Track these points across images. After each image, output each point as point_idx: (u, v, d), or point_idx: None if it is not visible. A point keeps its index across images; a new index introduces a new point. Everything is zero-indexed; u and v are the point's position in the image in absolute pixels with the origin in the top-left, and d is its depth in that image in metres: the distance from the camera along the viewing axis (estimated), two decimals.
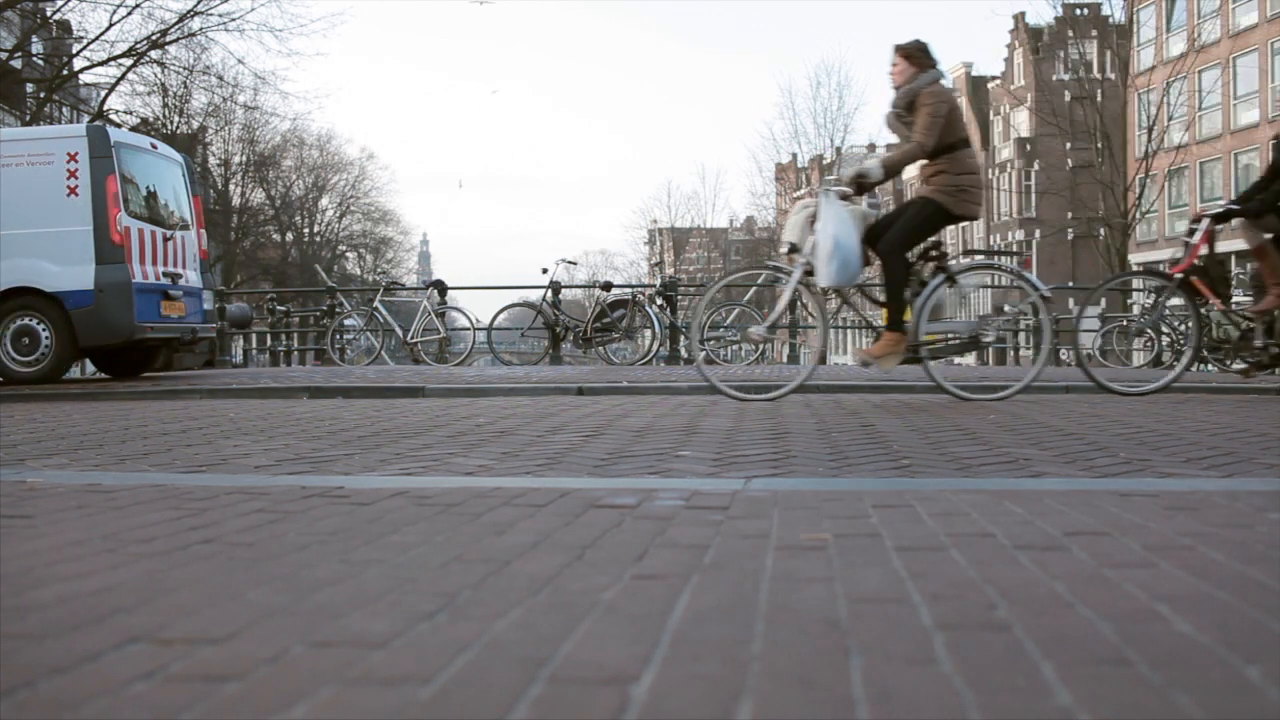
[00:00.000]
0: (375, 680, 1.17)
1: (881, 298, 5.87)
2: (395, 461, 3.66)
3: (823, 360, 6.42)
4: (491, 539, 2.02)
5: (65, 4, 23.28)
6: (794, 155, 51.35)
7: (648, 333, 12.85)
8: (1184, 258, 6.60)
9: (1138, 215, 31.18)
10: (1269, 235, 6.45)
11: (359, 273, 51.10)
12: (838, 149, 46.21)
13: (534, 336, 13.52)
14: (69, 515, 2.37)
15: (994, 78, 51.90)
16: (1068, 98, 40.21)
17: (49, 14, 23.89)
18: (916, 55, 5.79)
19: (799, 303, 12.59)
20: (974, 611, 1.45)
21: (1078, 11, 37.63)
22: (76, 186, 8.55)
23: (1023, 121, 48.71)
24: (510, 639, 1.33)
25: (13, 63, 23.47)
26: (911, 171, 6.58)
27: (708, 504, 2.40)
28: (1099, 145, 32.01)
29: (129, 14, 21.74)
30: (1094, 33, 38.02)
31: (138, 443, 4.38)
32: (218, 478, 3.23)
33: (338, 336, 13.45)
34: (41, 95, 24.20)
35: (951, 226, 6.44)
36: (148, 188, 9.31)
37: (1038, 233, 48.76)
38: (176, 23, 21.99)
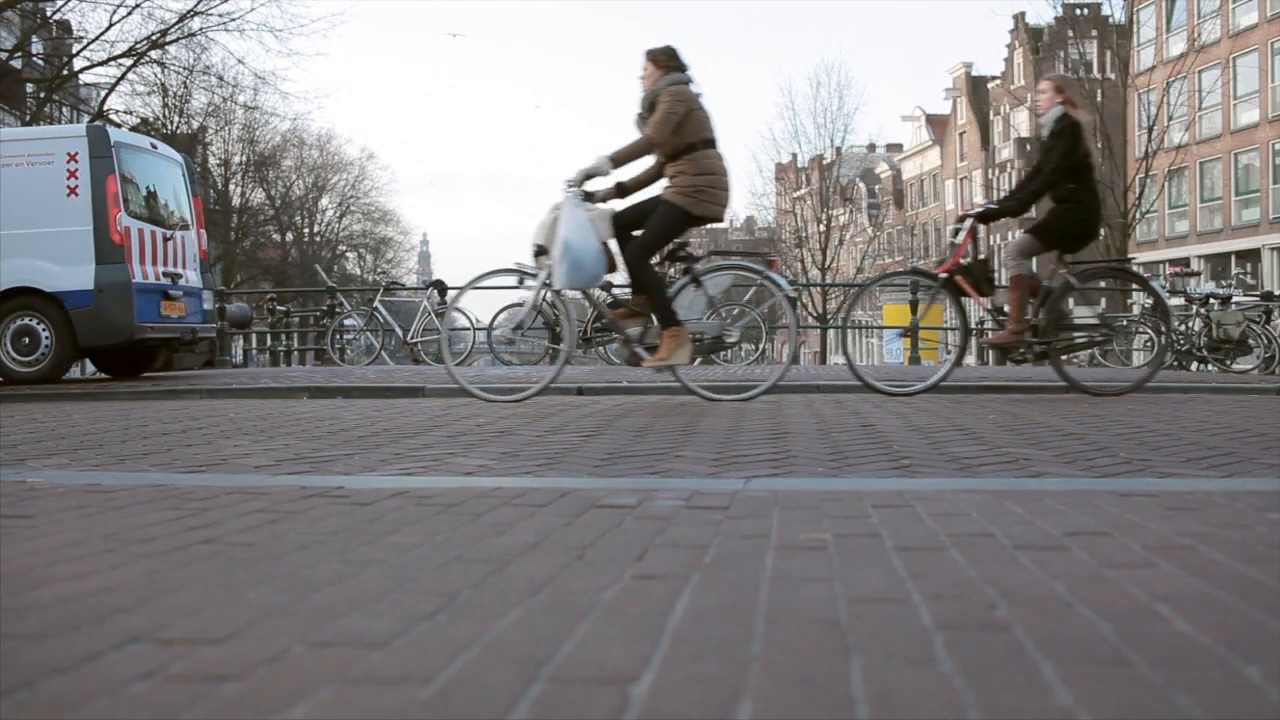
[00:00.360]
0: (375, 680, 1.17)
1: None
2: (395, 461, 3.66)
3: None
4: (491, 539, 2.02)
5: (65, 4, 23.28)
6: (794, 155, 51.28)
7: None
8: (949, 257, 6.63)
9: (1138, 215, 31.16)
10: (1028, 261, 6.38)
11: (359, 273, 51.09)
12: (838, 149, 46.17)
13: (534, 336, 13.51)
14: (69, 515, 2.37)
15: (994, 78, 51.88)
16: None
17: (49, 14, 23.88)
18: (663, 59, 5.94)
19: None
20: (974, 611, 1.45)
21: (1078, 11, 37.59)
22: (76, 186, 8.55)
23: (1023, 121, 48.64)
24: (510, 639, 1.33)
25: (13, 63, 23.47)
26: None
27: (708, 504, 2.40)
28: (1099, 145, 31.98)
29: (129, 14, 21.74)
30: (1094, 33, 37.99)
31: (138, 443, 4.38)
32: (218, 478, 3.23)
33: (338, 336, 13.45)
34: (41, 95, 24.20)
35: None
36: (148, 188, 9.31)
37: None
38: (176, 23, 21.99)
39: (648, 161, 5.97)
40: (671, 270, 5.94)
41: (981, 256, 6.48)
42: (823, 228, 43.62)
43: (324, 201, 51.86)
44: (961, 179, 55.42)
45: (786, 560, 1.79)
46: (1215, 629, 1.35)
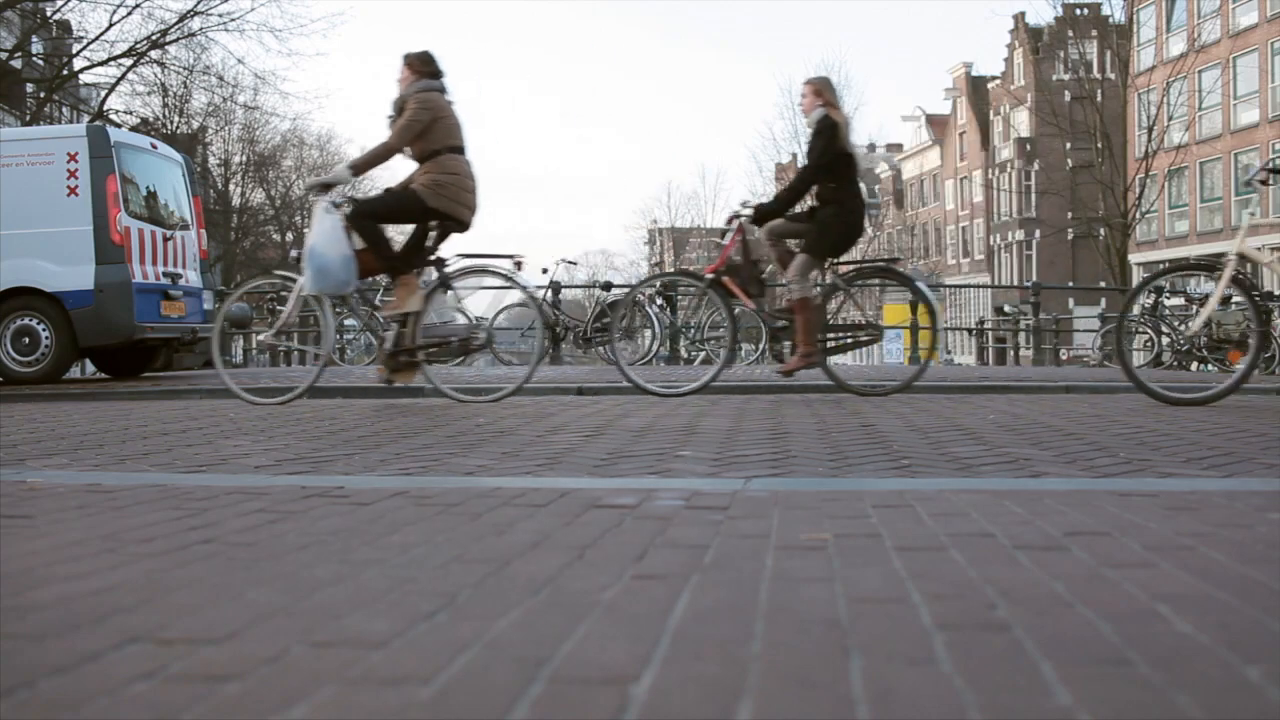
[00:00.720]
0: (375, 680, 1.17)
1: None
2: (395, 461, 3.66)
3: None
4: (491, 539, 2.02)
5: (65, 4, 23.29)
6: (794, 155, 51.31)
7: (648, 333, 12.85)
8: (718, 258, 6.65)
9: (1138, 215, 31.20)
10: (808, 282, 6.35)
11: None
12: None
13: (532, 337, 13.52)
14: (69, 515, 2.37)
15: (994, 78, 51.89)
16: (1068, 98, 40.21)
17: (49, 14, 23.88)
18: (417, 64, 6.08)
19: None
20: (974, 611, 1.45)
21: (1078, 11, 37.62)
22: (76, 186, 8.55)
23: (1023, 121, 48.70)
24: (510, 639, 1.33)
25: (13, 63, 23.47)
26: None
27: (708, 504, 2.40)
28: (1099, 145, 32.01)
29: (129, 14, 21.75)
30: (1094, 33, 38.00)
31: (138, 443, 4.38)
32: (218, 478, 3.23)
33: (338, 336, 13.43)
34: (41, 95, 24.20)
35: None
36: (148, 188, 9.31)
37: (1038, 233, 48.77)
38: (176, 23, 22.00)
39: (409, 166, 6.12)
40: (426, 275, 6.14)
41: (753, 258, 6.50)
42: None
43: None
44: (961, 179, 55.44)
45: (786, 560, 1.79)
46: (1215, 629, 1.35)
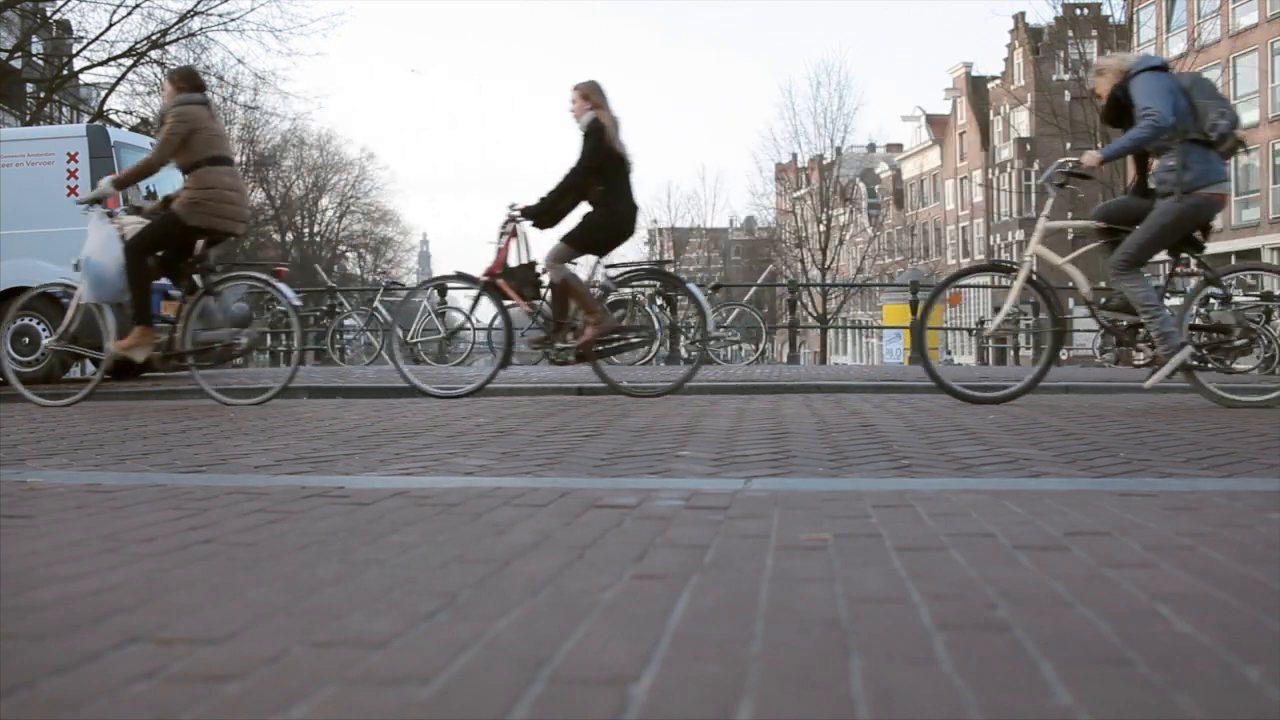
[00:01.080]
0: (375, 680, 1.17)
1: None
2: (395, 461, 3.66)
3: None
4: (491, 539, 2.02)
5: (65, 4, 23.28)
6: (794, 155, 51.35)
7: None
8: (494, 261, 6.75)
9: None
10: (563, 265, 6.46)
11: (359, 273, 51.08)
12: (838, 149, 46.23)
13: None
14: (69, 515, 2.37)
15: (994, 78, 51.88)
16: (1068, 98, 40.18)
17: (49, 14, 23.87)
18: (178, 80, 6.46)
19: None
20: (974, 611, 1.45)
21: (1078, 11, 37.60)
22: (76, 186, 8.55)
23: (1023, 121, 48.69)
24: (510, 639, 1.33)
25: (13, 63, 23.47)
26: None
27: (708, 504, 2.40)
28: (1099, 145, 31.99)
29: (129, 14, 21.76)
30: (1094, 33, 37.95)
31: (138, 443, 4.38)
32: (218, 478, 3.23)
33: (338, 336, 13.44)
34: (41, 95, 24.19)
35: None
36: (148, 188, 9.30)
37: None
38: (176, 23, 21.99)
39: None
40: (197, 280, 6.32)
41: (527, 261, 6.63)
42: (823, 228, 43.65)
43: (324, 201, 51.85)
44: (961, 179, 55.44)
45: (786, 560, 1.79)
46: (1215, 629, 1.35)
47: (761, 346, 14.24)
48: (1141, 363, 5.86)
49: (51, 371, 8.54)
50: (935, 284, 6.56)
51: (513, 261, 6.66)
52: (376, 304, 13.11)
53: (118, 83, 23.48)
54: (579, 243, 6.51)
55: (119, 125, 21.34)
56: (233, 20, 22.05)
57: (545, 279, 6.49)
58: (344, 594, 1.58)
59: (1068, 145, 39.83)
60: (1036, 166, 47.74)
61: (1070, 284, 6.14)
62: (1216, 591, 1.56)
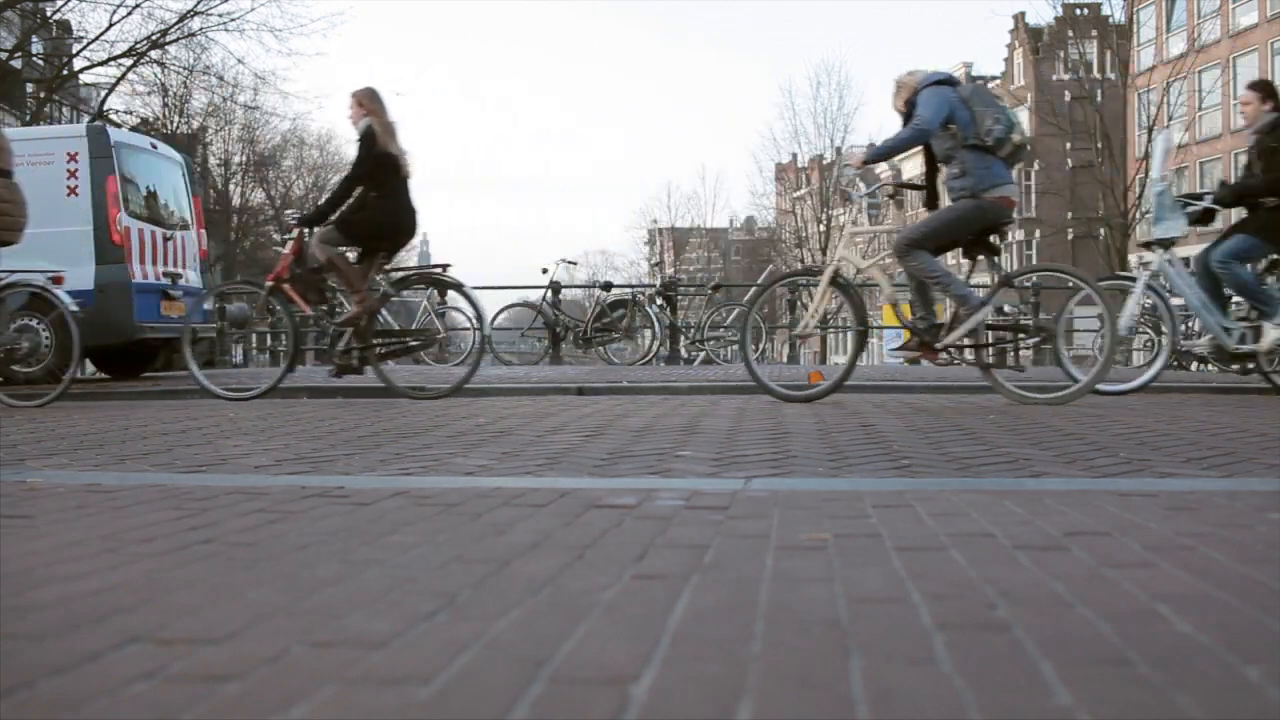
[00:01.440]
0: (375, 680, 1.17)
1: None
2: (395, 461, 3.66)
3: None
4: (491, 539, 2.02)
5: (65, 4, 23.28)
6: (794, 155, 51.36)
7: (648, 333, 12.86)
8: (278, 267, 6.90)
9: (1138, 215, 31.16)
10: (330, 247, 6.62)
11: None
12: (838, 149, 46.23)
13: (534, 336, 13.53)
14: (69, 515, 2.37)
15: (994, 78, 51.85)
16: (1068, 98, 40.21)
17: (49, 14, 23.87)
18: None
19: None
20: (974, 611, 1.45)
21: (1078, 11, 37.61)
22: (76, 186, 8.55)
23: (1023, 121, 48.66)
24: (510, 639, 1.33)
25: (13, 63, 23.47)
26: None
27: (708, 504, 2.40)
28: (1099, 145, 32.01)
29: (129, 14, 21.75)
30: (1094, 33, 37.99)
31: (138, 443, 4.38)
32: (218, 478, 3.23)
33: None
34: (41, 95, 24.20)
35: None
36: (148, 188, 9.31)
37: (1038, 233, 48.76)
38: (176, 23, 21.99)
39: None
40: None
41: (313, 266, 6.75)
42: (823, 228, 43.66)
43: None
44: None
45: (786, 560, 1.79)
46: (1215, 629, 1.35)
47: (761, 346, 14.23)
48: (943, 362, 6.14)
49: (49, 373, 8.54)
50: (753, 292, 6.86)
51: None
52: None
53: (118, 83, 23.50)
54: (348, 230, 6.68)
55: (119, 125, 21.32)
56: (233, 20, 22.06)
57: (318, 257, 6.66)
58: (344, 594, 1.58)
59: (1068, 145, 39.90)
60: (1036, 166, 47.80)
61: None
62: (1216, 591, 1.56)
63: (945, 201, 6.08)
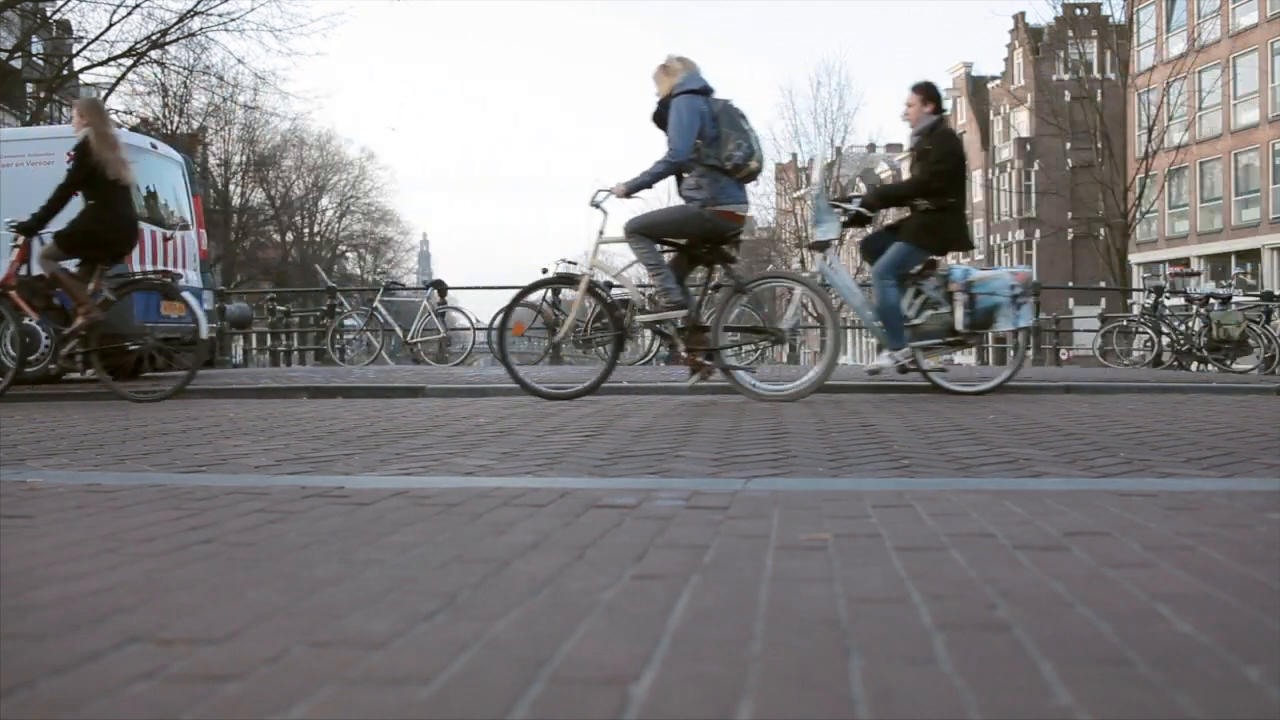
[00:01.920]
0: (375, 680, 1.17)
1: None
2: (395, 461, 3.66)
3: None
4: (491, 539, 2.02)
5: (65, 4, 23.26)
6: (794, 155, 51.35)
7: (648, 332, 12.84)
8: (4, 274, 7.07)
9: (1138, 215, 31.18)
10: (53, 262, 6.85)
11: (359, 273, 51.08)
12: (838, 149, 46.22)
13: (534, 336, 13.52)
14: (69, 515, 2.37)
15: (994, 78, 51.88)
16: (1068, 98, 40.18)
17: (49, 14, 23.86)
18: None
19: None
20: (974, 611, 1.45)
21: (1078, 11, 37.59)
22: None
23: (1023, 121, 48.69)
24: (510, 639, 1.33)
25: (13, 63, 23.46)
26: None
27: (708, 504, 2.40)
28: (1099, 145, 31.98)
29: (129, 14, 21.73)
30: (1094, 33, 37.98)
31: (138, 443, 4.38)
32: (218, 478, 3.23)
33: (338, 336, 13.44)
34: (41, 95, 24.18)
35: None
36: (148, 188, 9.30)
37: (1038, 233, 48.77)
38: (176, 23, 21.97)
39: None
40: None
41: (36, 273, 6.95)
42: None
43: (324, 201, 51.87)
44: None
45: (786, 560, 1.79)
46: (1215, 629, 1.35)
47: (761, 347, 14.22)
48: (692, 360, 6.32)
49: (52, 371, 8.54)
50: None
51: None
52: (376, 304, 13.10)
53: (118, 83, 23.48)
54: (66, 244, 6.87)
55: (119, 125, 21.31)
56: (233, 20, 22.04)
57: (44, 269, 6.87)
58: (344, 594, 1.58)
59: (1068, 145, 39.88)
60: (1036, 166, 47.80)
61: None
62: (1216, 591, 1.56)
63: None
